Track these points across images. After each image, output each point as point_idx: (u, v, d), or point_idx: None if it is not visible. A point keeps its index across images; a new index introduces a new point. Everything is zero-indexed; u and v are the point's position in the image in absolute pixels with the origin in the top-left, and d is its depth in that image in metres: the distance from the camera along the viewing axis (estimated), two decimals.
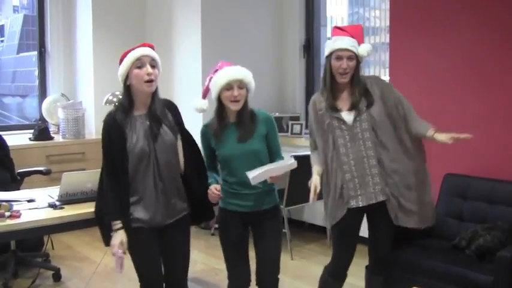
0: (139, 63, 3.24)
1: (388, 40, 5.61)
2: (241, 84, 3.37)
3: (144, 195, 3.29)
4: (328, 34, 6.92)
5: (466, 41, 4.81)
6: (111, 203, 3.28)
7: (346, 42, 3.54)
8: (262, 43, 6.83)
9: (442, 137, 3.58)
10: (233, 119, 3.44)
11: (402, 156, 3.65)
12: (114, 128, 3.26)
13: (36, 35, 7.23)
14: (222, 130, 3.43)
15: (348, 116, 3.59)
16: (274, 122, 3.57)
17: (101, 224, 3.39)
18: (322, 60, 6.85)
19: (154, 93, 3.33)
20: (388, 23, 5.62)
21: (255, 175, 3.21)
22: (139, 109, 3.32)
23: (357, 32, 3.61)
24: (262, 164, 3.35)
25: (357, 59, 3.55)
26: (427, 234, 4.56)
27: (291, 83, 6.89)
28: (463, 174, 4.65)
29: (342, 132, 3.60)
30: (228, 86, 3.34)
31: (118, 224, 3.25)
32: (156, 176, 3.29)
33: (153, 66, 3.27)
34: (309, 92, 6.96)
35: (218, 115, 3.45)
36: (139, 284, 3.45)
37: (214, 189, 3.36)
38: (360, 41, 3.57)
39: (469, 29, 4.79)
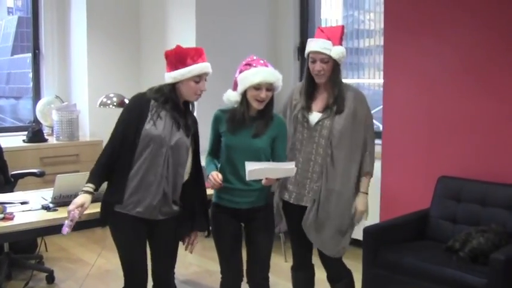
0: (198, 78, 3.32)
1: (382, 43, 5.61)
2: (271, 87, 3.41)
3: (147, 183, 3.30)
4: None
5: (460, 44, 4.82)
6: (95, 168, 3.34)
7: (318, 44, 3.53)
8: (257, 45, 6.82)
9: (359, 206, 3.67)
10: (253, 113, 3.47)
11: (343, 179, 3.60)
12: (142, 106, 3.33)
13: (30, 36, 7.21)
14: (241, 122, 3.44)
15: (313, 117, 3.60)
16: (286, 129, 3.61)
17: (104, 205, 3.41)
18: None
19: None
20: (382, 26, 5.62)
21: (252, 169, 3.21)
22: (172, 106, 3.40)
23: (334, 33, 3.57)
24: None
25: (334, 61, 3.53)
26: (420, 237, 4.58)
27: (286, 85, 6.82)
28: (457, 176, 4.66)
29: (302, 129, 3.63)
30: (258, 86, 3.36)
31: (89, 187, 3.27)
32: (164, 170, 3.31)
33: (205, 80, 3.38)
34: None
35: (242, 108, 3.44)
36: (124, 278, 3.47)
37: (216, 175, 3.37)
38: (336, 43, 3.52)
39: (464, 32, 4.80)
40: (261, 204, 3.54)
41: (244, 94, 3.42)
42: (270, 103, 3.47)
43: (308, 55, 3.61)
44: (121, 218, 3.32)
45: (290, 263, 5.55)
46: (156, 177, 3.30)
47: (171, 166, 3.33)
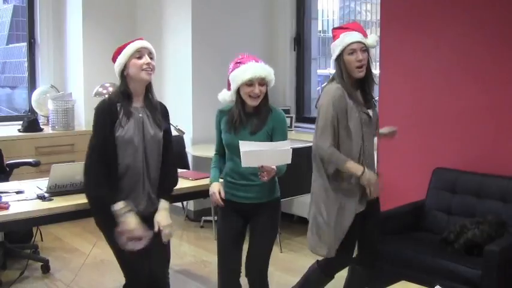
0: (138, 54, 3.37)
1: (379, 34, 5.60)
2: (263, 81, 3.39)
3: (130, 187, 3.32)
4: (319, 27, 6.93)
5: (457, 36, 4.82)
6: (105, 189, 3.28)
7: (356, 35, 3.53)
8: (253, 36, 6.82)
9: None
10: (250, 110, 3.45)
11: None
12: (111, 112, 3.31)
13: (25, 25, 7.19)
14: (241, 120, 3.43)
15: (370, 112, 3.62)
16: (285, 121, 3.57)
17: (101, 211, 3.37)
18: (313, 54, 6.91)
19: (149, 87, 3.43)
20: (379, 17, 5.62)
21: (247, 150, 3.18)
22: (136, 102, 3.40)
23: (358, 26, 3.64)
24: None
25: (368, 51, 3.56)
26: (415, 228, 4.59)
27: (282, 76, 6.87)
28: (452, 168, 4.67)
29: (366, 128, 3.59)
30: (250, 82, 3.35)
31: (123, 206, 3.24)
32: (144, 170, 3.34)
33: (150, 58, 3.40)
34: (299, 85, 6.96)
35: (239, 107, 3.44)
36: (124, 277, 3.46)
37: (218, 193, 3.42)
38: (365, 35, 3.58)
39: (460, 23, 4.80)
40: (264, 200, 3.51)
41: (238, 92, 3.41)
42: (265, 98, 3.45)
43: (343, 50, 3.52)
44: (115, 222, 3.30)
45: (285, 254, 5.59)
46: (139, 180, 3.34)
47: (151, 163, 3.37)
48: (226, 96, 3.50)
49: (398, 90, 5.23)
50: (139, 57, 3.35)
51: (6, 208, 3.49)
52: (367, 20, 6.61)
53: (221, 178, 3.60)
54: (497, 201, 4.34)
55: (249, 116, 3.45)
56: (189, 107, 6.34)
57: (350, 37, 3.54)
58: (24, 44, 7.29)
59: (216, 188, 3.46)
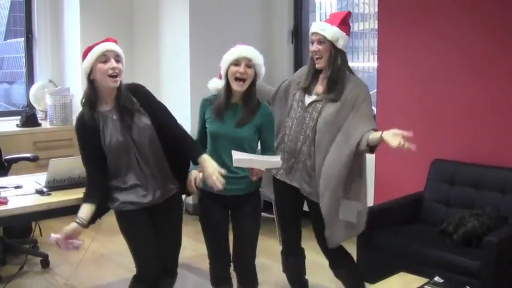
0: (103, 58, 3.21)
1: (376, 26, 5.60)
2: (250, 63, 3.35)
3: (135, 184, 3.31)
4: (317, 20, 6.91)
5: (455, 28, 4.81)
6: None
7: (315, 25, 3.56)
8: (251, 29, 6.79)
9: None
10: (238, 100, 3.43)
11: (335, 165, 3.48)
12: (87, 127, 3.25)
13: (23, 21, 7.16)
14: (225, 108, 3.41)
15: (309, 98, 3.59)
16: (273, 118, 3.56)
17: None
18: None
19: (119, 87, 3.29)
20: (377, 9, 5.61)
21: (239, 157, 3.20)
22: (107, 104, 3.30)
23: (335, 17, 3.59)
24: (244, 151, 3.34)
25: (331, 43, 3.50)
26: (414, 220, 4.60)
27: (279, 69, 6.86)
28: (451, 159, 4.67)
29: (297, 108, 3.62)
30: (236, 62, 3.33)
31: (80, 220, 3.33)
32: (141, 164, 3.30)
33: (117, 61, 3.25)
34: None
35: (225, 92, 3.41)
36: (135, 268, 3.48)
37: (194, 180, 3.40)
38: (333, 25, 3.51)
39: (458, 16, 4.79)
40: (247, 191, 3.51)
41: (226, 77, 3.39)
42: (253, 90, 3.43)
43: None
44: (125, 213, 3.33)
45: None
46: (139, 178, 3.31)
47: (146, 155, 3.31)
48: (215, 84, 3.54)
49: (396, 82, 5.23)
50: (105, 62, 3.20)
51: (5, 203, 3.50)
52: (365, 12, 6.58)
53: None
54: (495, 192, 4.35)
55: (236, 106, 3.43)
56: (188, 101, 6.32)
57: (311, 27, 3.59)
58: (22, 39, 7.26)
59: (193, 176, 3.43)
